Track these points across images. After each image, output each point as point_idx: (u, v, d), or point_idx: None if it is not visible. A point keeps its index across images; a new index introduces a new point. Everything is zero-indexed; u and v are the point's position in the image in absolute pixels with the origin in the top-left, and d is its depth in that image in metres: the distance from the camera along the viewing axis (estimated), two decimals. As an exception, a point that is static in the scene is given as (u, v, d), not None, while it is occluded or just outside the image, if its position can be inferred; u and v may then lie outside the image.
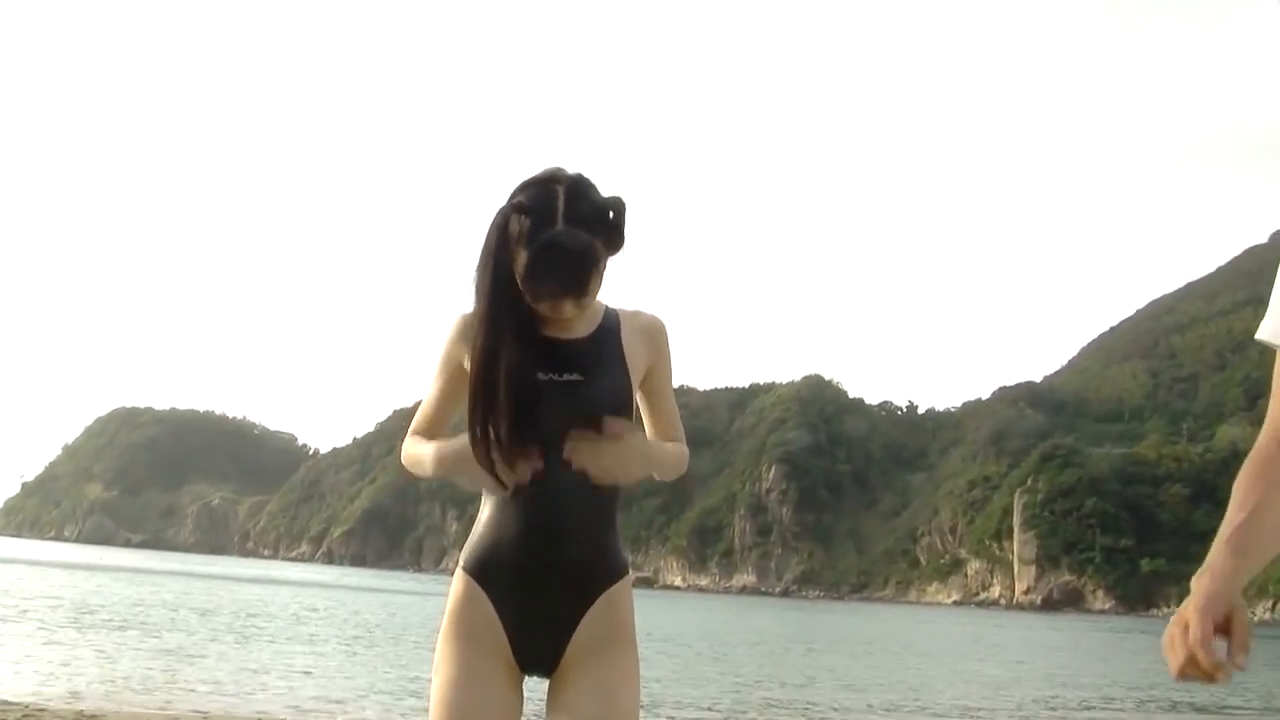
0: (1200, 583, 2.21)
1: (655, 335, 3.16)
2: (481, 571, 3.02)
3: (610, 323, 3.13)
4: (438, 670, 3.04)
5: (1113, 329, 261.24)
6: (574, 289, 2.94)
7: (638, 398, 3.16)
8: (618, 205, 3.02)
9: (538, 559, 2.97)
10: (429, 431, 3.21)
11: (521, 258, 2.91)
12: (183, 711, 14.91)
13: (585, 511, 3.00)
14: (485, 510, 3.06)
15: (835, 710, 21.53)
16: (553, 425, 2.97)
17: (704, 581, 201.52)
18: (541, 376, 2.99)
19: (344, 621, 40.93)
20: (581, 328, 3.08)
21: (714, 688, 23.87)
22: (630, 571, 3.10)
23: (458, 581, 3.06)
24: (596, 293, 3.00)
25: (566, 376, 3.00)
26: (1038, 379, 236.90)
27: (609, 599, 3.01)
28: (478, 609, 3.01)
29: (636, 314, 3.18)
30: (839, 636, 55.96)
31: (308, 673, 22.08)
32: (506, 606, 2.99)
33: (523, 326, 2.98)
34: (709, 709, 20.19)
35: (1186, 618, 2.17)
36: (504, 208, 2.97)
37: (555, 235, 2.90)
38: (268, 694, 18.31)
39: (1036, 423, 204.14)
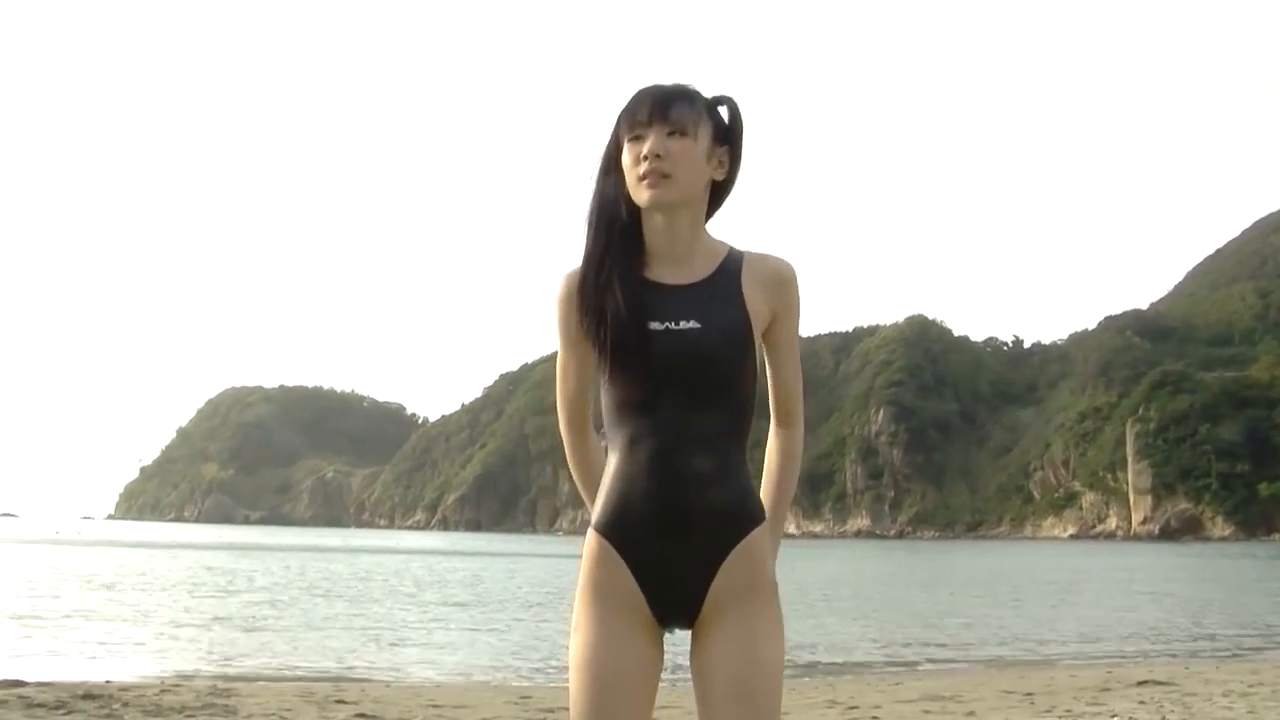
0: None
1: (782, 281, 2.99)
2: (611, 528, 2.92)
3: (731, 265, 3.00)
4: (575, 631, 2.96)
5: (1219, 251, 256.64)
6: (666, 113, 2.91)
7: (760, 348, 3.00)
8: (728, 99, 3.03)
9: (667, 511, 2.87)
10: (571, 407, 3.12)
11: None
12: (318, 684, 15.14)
13: (713, 459, 2.89)
14: (610, 465, 2.97)
15: (1009, 645, 21.41)
16: (671, 377, 2.88)
17: (818, 528, 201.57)
18: (655, 326, 2.90)
19: (479, 585, 41.27)
20: (698, 270, 2.97)
21: (857, 632, 23.87)
22: (765, 518, 2.97)
23: (589, 540, 2.97)
24: (690, 157, 2.92)
25: (682, 325, 2.90)
26: (1144, 306, 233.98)
27: (745, 547, 2.90)
28: (611, 566, 2.92)
29: (763, 257, 3.02)
30: (975, 575, 55.78)
31: (448, 640, 22.37)
32: (640, 562, 2.90)
33: (630, 274, 2.94)
34: (867, 655, 20.17)
35: None
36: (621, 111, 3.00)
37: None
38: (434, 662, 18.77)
39: (1145, 351, 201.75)
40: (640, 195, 2.92)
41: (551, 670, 17.22)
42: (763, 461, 2.74)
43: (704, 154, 2.95)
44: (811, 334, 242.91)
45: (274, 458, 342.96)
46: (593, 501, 3.03)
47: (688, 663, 2.95)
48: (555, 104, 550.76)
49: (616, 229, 2.96)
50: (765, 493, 3.06)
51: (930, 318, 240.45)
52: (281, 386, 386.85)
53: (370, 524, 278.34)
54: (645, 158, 2.90)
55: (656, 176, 2.89)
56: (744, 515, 2.91)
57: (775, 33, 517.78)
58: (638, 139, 2.92)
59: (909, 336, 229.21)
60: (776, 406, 3.11)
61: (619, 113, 2.99)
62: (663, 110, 2.91)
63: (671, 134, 2.91)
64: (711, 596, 2.89)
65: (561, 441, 3.18)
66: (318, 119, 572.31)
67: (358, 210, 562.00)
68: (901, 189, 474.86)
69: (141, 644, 19.88)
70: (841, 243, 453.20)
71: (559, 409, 3.14)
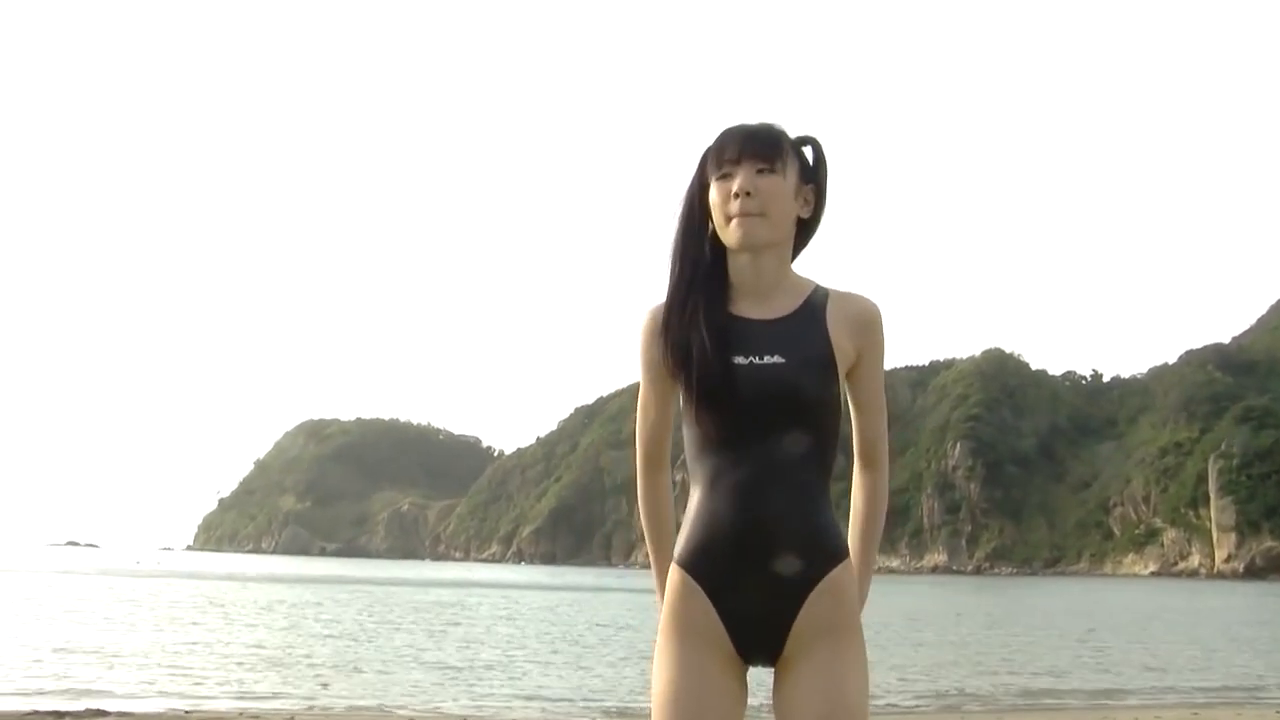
0: None
1: (867, 320, 2.99)
2: (694, 564, 2.91)
3: (816, 301, 2.98)
4: (658, 666, 2.93)
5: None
6: (755, 150, 2.93)
7: (844, 387, 2.99)
8: (812, 139, 3.05)
9: (750, 546, 2.86)
10: (650, 443, 3.11)
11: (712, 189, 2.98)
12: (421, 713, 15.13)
13: (796, 494, 2.88)
14: (693, 500, 2.95)
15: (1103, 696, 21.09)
16: (755, 412, 2.88)
17: (894, 563, 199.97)
18: (739, 360, 2.89)
19: (562, 621, 41.20)
20: (782, 305, 2.97)
21: (948, 673, 23.54)
22: (850, 554, 2.95)
23: (672, 575, 2.95)
24: (780, 195, 2.95)
25: (767, 359, 2.89)
26: (1225, 340, 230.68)
27: (829, 584, 2.87)
28: (694, 602, 2.90)
29: (848, 295, 3.01)
30: (1061, 611, 55.15)
31: (542, 672, 22.26)
32: (722, 597, 2.88)
33: (715, 308, 2.94)
34: (953, 696, 19.91)
35: None
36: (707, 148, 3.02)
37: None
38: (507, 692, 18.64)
39: (1226, 385, 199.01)
40: (731, 234, 2.93)
41: (635, 706, 17.07)
42: (847, 500, 3.20)
43: (792, 191, 2.97)
44: (888, 368, 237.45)
45: (350, 490, 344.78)
46: (654, 540, 3.10)
47: (770, 700, 2.92)
48: (632, 143, 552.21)
49: (701, 265, 2.97)
50: (852, 537, 3.05)
51: (1007, 351, 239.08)
52: (358, 419, 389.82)
53: (445, 556, 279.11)
54: (736, 195, 2.90)
55: (748, 215, 2.90)
56: (827, 551, 2.89)
57: (847, 68, 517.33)
58: (727, 177, 2.93)
59: (986, 370, 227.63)
60: (860, 448, 3.09)
61: (704, 151, 3.01)
62: (752, 148, 2.92)
63: (761, 171, 2.91)
64: (795, 633, 2.86)
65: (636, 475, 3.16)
66: (406, 156, 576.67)
67: (437, 245, 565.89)
68: (978, 222, 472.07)
69: (221, 675, 19.92)
70: (917, 276, 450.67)
71: (637, 444, 3.13)
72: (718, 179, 2.94)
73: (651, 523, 3.15)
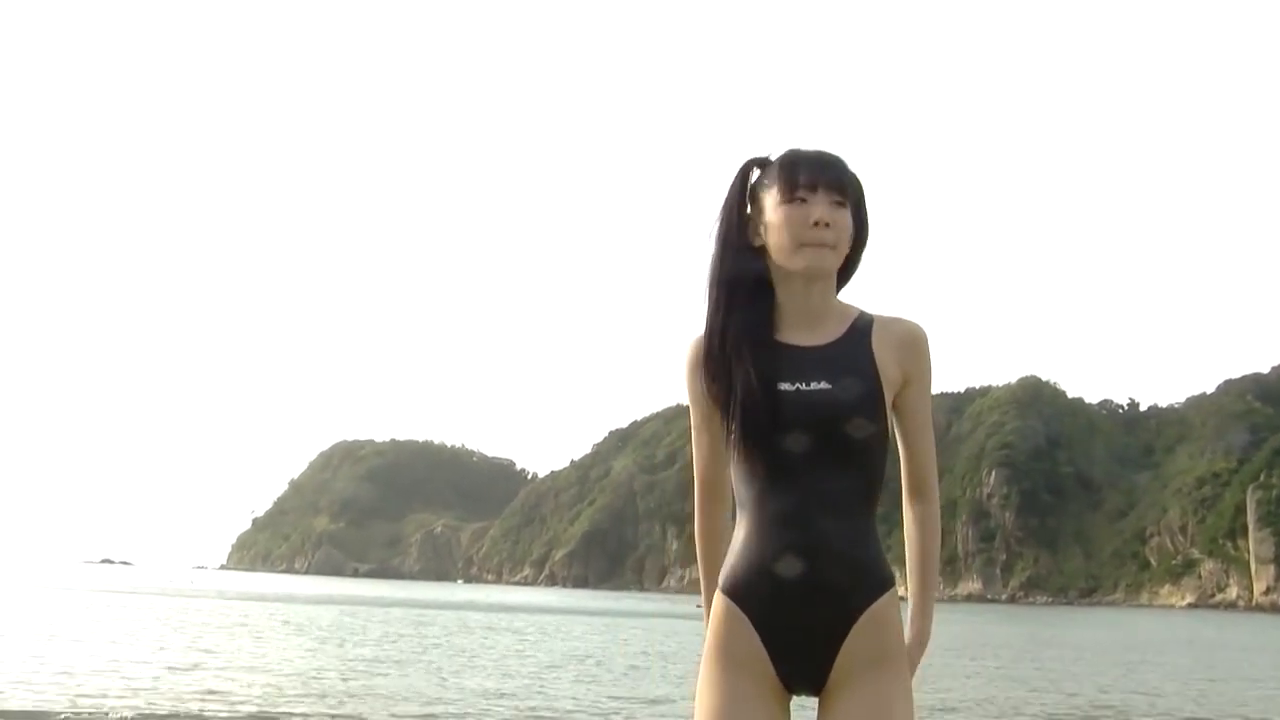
0: None
1: (914, 344, 2.95)
2: (739, 592, 2.89)
3: (862, 326, 2.96)
4: (701, 694, 2.92)
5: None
6: (832, 181, 2.91)
7: (891, 414, 2.96)
8: (857, 182, 3.01)
9: (796, 576, 2.84)
10: (708, 473, 3.07)
11: (768, 198, 2.96)
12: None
13: (842, 522, 2.86)
14: (740, 528, 2.94)
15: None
16: (801, 439, 2.85)
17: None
18: (784, 387, 2.87)
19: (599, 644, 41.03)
20: (828, 332, 2.95)
21: (997, 700, 23.27)
22: (896, 584, 2.93)
23: (717, 603, 2.94)
24: (848, 229, 2.94)
25: (813, 385, 2.87)
26: (1265, 370, 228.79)
27: (874, 614, 2.85)
28: (738, 630, 2.89)
29: (894, 320, 2.98)
30: (1106, 643, 54.62)
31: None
32: (767, 626, 2.86)
33: (760, 334, 2.92)
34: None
35: None
36: (744, 164, 3.01)
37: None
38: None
39: (1266, 416, 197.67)
40: (797, 260, 2.90)
41: None
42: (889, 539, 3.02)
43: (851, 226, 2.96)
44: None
45: (384, 511, 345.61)
46: (707, 569, 3.07)
47: None
48: (669, 166, 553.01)
49: (741, 289, 2.95)
50: (911, 572, 3.05)
51: (1044, 379, 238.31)
52: (392, 440, 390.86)
53: (478, 579, 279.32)
54: (816, 224, 2.87)
55: (824, 246, 2.89)
56: (873, 581, 2.88)
57: (879, 92, 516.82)
58: (801, 202, 2.88)
59: (1021, 398, 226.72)
60: (910, 478, 3.05)
61: (741, 167, 3.00)
62: (828, 178, 2.90)
63: (837, 203, 2.91)
64: (839, 663, 2.85)
65: (691, 506, 3.13)
66: (448, 180, 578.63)
67: (474, 269, 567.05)
68: (1015, 248, 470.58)
69: (248, 691, 19.84)
70: (953, 302, 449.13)
71: (696, 475, 3.08)
72: (789, 202, 2.90)
73: (706, 552, 3.11)
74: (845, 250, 2.94)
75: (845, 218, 2.91)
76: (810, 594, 2.84)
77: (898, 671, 2.87)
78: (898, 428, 2.99)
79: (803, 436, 2.85)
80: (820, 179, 2.90)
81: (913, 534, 3.06)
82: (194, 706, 17.45)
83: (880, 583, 2.88)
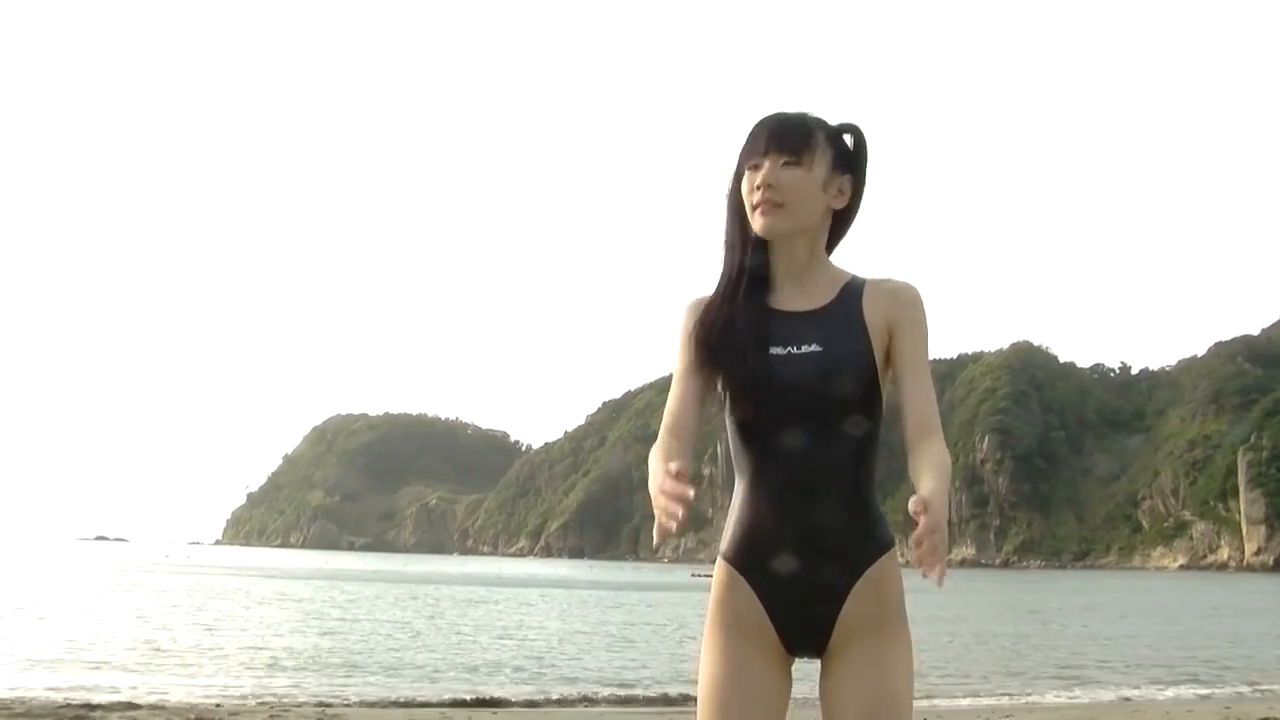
0: None
1: (903, 301, 2.92)
2: (739, 557, 2.89)
3: (853, 290, 2.94)
4: (704, 659, 2.94)
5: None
6: (782, 143, 2.90)
7: (888, 372, 2.91)
8: (853, 127, 3.01)
9: (794, 538, 2.83)
10: (675, 427, 2.93)
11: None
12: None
13: (841, 487, 2.84)
14: (737, 493, 2.94)
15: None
16: (794, 402, 2.84)
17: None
18: (776, 351, 2.87)
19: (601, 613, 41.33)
20: (819, 296, 2.94)
21: (971, 664, 23.57)
22: (895, 544, 2.89)
23: (718, 568, 2.95)
24: (801, 188, 2.89)
25: (804, 349, 2.86)
26: (1255, 332, 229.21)
27: (874, 576, 2.84)
28: (739, 595, 2.89)
29: (884, 280, 2.97)
30: (1107, 605, 55.06)
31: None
32: (767, 590, 2.86)
33: (752, 300, 2.94)
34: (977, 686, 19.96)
35: None
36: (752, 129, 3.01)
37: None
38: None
39: (1256, 377, 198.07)
40: (755, 223, 2.91)
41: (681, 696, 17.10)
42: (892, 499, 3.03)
43: (819, 183, 2.92)
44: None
45: (379, 485, 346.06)
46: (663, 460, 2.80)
47: (816, 693, 2.91)
48: (661, 138, 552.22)
49: (737, 257, 2.98)
50: (920, 472, 2.78)
51: (1035, 344, 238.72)
52: (386, 414, 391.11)
53: (474, 551, 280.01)
54: (758, 187, 2.89)
55: (769, 205, 2.88)
56: (872, 543, 2.86)
57: (876, 61, 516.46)
58: (755, 168, 2.91)
59: (1014, 363, 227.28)
60: (912, 424, 2.88)
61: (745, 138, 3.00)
62: (779, 140, 2.90)
63: (787, 164, 2.89)
64: (840, 625, 2.85)
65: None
66: (436, 154, 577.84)
67: (462, 239, 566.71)
68: (1006, 215, 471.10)
69: (251, 668, 20.07)
70: (945, 269, 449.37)
71: (665, 417, 2.97)
72: (748, 169, 2.93)
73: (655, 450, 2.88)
74: (803, 209, 2.91)
75: (796, 176, 2.89)
76: (809, 556, 2.83)
77: (899, 632, 2.88)
78: (896, 383, 2.93)
79: (796, 398, 2.84)
80: (771, 142, 2.90)
81: (923, 461, 2.80)
82: (190, 687, 17.56)
83: (879, 544, 2.87)
